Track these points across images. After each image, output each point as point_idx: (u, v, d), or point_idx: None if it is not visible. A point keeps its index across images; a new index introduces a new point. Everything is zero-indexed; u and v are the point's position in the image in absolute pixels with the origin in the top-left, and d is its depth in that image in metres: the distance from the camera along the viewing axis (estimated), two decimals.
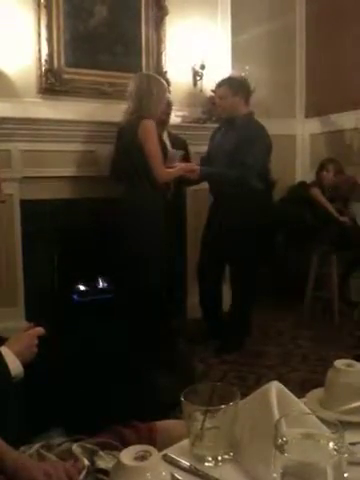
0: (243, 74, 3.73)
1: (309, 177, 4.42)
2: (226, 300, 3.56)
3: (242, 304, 3.45)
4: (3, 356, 1.22)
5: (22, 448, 1.07)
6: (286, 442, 0.75)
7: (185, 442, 0.96)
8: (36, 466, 0.98)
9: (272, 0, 4.56)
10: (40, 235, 3.43)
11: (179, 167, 3.19)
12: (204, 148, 3.57)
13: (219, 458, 0.92)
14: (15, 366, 1.23)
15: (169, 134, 3.56)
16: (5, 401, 1.14)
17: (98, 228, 3.42)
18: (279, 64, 4.61)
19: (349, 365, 1.10)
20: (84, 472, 0.99)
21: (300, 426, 0.81)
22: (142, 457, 0.77)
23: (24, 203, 3.36)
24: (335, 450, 0.74)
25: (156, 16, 3.76)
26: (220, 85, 3.37)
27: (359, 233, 3.96)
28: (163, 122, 3.41)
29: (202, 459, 0.92)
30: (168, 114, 3.51)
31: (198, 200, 3.78)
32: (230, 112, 3.34)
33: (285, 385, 0.97)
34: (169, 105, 3.47)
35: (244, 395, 0.98)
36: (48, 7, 3.38)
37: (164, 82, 3.24)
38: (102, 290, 3.88)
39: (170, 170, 3.16)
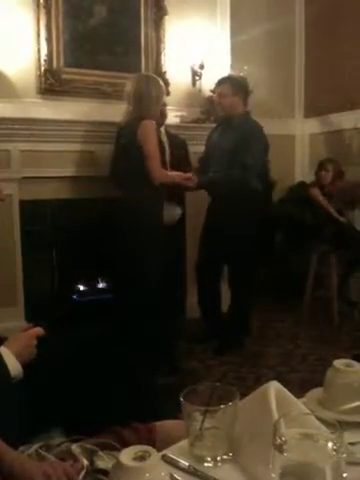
0: (242, 74, 3.74)
1: (308, 177, 4.42)
2: (225, 300, 3.56)
3: (241, 304, 3.45)
4: (2, 356, 1.22)
5: (21, 448, 1.07)
6: (285, 442, 0.75)
7: (184, 442, 0.96)
8: (35, 466, 0.98)
9: (271, 0, 4.56)
10: (39, 235, 3.43)
11: (177, 174, 3.18)
12: (203, 148, 3.57)
13: (218, 458, 0.92)
14: (14, 366, 1.23)
15: (168, 134, 3.55)
16: (4, 401, 1.14)
17: (97, 228, 3.42)
18: (278, 64, 4.62)
19: (348, 365, 1.10)
20: (83, 472, 0.99)
21: (299, 426, 0.81)
22: (141, 457, 0.77)
23: (23, 203, 3.36)
24: (334, 450, 0.75)
25: (155, 16, 3.77)
26: (221, 83, 3.38)
27: (358, 233, 3.96)
28: (159, 123, 3.40)
29: (201, 459, 0.92)
30: (164, 115, 3.51)
31: (197, 200, 3.78)
32: (228, 111, 3.35)
33: (284, 385, 0.97)
34: (164, 105, 3.47)
35: (243, 395, 0.98)
36: (47, 7, 3.38)
37: (162, 83, 3.24)
38: (102, 290, 3.88)
39: (168, 172, 3.17)
